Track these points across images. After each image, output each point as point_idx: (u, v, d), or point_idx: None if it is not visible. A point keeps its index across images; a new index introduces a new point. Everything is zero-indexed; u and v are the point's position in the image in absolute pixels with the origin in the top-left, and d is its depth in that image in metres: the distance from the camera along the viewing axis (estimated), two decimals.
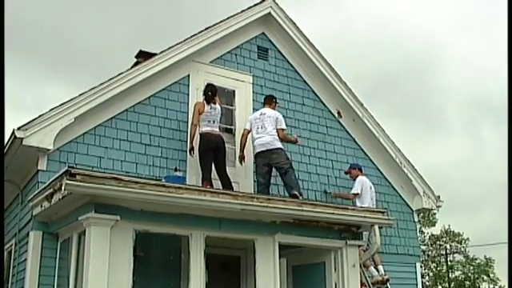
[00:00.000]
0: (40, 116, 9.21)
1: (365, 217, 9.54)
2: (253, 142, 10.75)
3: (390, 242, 12.34)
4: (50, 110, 9.31)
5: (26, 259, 9.41)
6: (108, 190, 7.35)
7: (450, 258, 60.50)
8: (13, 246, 10.72)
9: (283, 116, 11.14)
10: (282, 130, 10.75)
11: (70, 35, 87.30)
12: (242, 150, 10.88)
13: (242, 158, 10.87)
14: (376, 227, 9.58)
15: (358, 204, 11.33)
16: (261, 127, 10.66)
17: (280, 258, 8.97)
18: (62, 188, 7.32)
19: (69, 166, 7.37)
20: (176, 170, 9.99)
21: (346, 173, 12.14)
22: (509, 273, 8.91)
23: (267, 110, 10.91)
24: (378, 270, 11.26)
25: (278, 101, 11.31)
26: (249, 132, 10.83)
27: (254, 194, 9.42)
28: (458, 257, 62.34)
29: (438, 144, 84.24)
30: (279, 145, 10.60)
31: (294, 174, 10.61)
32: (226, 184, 9.96)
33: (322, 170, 12.02)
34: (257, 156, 10.67)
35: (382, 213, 9.85)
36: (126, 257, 7.66)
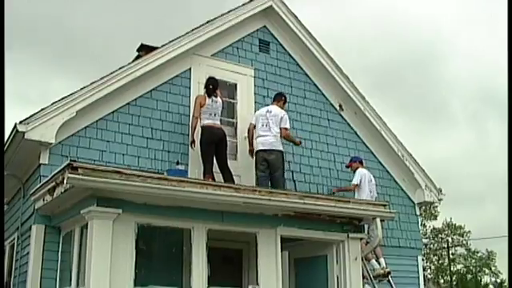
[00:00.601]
0: (42, 110, 9.22)
1: (367, 210, 9.51)
2: (256, 139, 10.76)
3: (391, 235, 12.34)
4: (52, 104, 9.31)
5: (28, 252, 9.42)
6: (110, 184, 7.35)
7: (451, 251, 60.59)
8: (15, 240, 10.74)
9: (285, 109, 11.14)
10: (286, 129, 10.75)
11: (77, 29, 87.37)
12: (250, 144, 10.88)
13: (252, 152, 10.87)
14: (378, 220, 9.56)
15: (357, 196, 11.32)
16: (265, 125, 10.65)
17: (282, 250, 8.96)
18: (64, 182, 7.32)
19: (71, 160, 7.35)
20: (178, 163, 9.98)
21: (347, 166, 12.12)
22: (509, 271, 8.91)
23: (273, 108, 10.91)
24: (379, 263, 11.26)
25: (287, 99, 11.33)
26: (255, 127, 10.83)
27: (255, 187, 9.42)
28: (460, 250, 62.48)
29: (441, 137, 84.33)
30: (280, 147, 10.61)
31: (282, 181, 10.57)
32: (228, 177, 9.97)
33: (323, 163, 12.02)
34: (257, 153, 10.68)
35: (384, 206, 9.82)
36: (128, 250, 7.66)
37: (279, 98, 11.18)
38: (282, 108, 11.02)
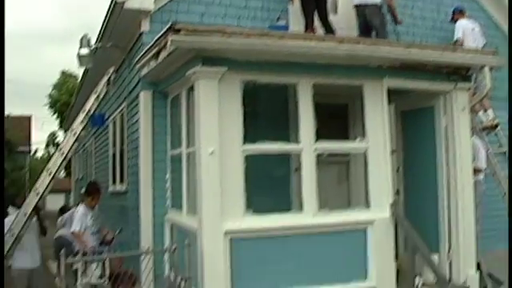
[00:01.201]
0: None
1: (474, 58, 9.13)
2: None
3: (499, 87, 11.84)
4: None
5: (138, 120, 9.71)
6: (213, 43, 7.28)
7: None
8: (125, 109, 11.09)
9: None
10: None
11: None
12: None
13: None
14: (486, 69, 9.21)
15: None
16: None
17: (389, 103, 8.82)
18: (168, 45, 7.32)
19: (172, 22, 7.29)
20: (279, 19, 9.84)
21: (450, 20, 11.60)
22: (509, 270, 8.64)
23: None
24: (487, 115, 10.99)
25: None
26: None
27: (359, 38, 9.18)
28: None
29: None
30: (374, 1, 10.26)
31: (383, 33, 10.20)
32: (330, 31, 9.79)
33: (426, 13, 11.54)
34: (354, 8, 10.45)
35: (493, 53, 9.36)
36: (235, 108, 7.71)
37: None
38: None
